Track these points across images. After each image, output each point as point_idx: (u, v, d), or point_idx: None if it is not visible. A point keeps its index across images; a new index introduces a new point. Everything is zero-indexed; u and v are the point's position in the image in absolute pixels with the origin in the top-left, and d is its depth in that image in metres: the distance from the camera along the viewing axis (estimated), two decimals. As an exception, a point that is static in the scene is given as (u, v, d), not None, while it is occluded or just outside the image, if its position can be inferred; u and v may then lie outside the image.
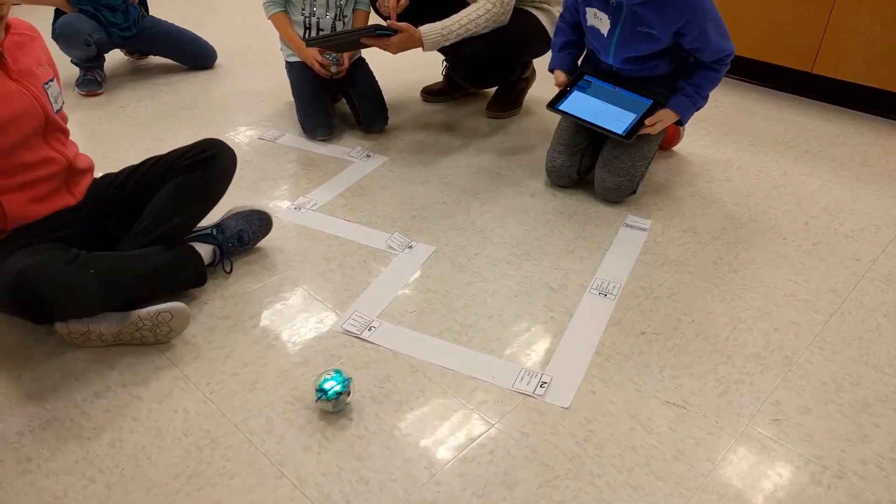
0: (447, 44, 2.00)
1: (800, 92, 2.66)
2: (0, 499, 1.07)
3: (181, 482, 1.10)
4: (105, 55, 2.58)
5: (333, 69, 2.18)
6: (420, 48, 1.97)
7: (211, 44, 2.80)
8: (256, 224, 1.62)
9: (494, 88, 2.47)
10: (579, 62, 2.00)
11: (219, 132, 2.26)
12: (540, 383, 1.29)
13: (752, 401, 1.27)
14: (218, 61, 2.82)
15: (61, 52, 2.43)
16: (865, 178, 2.07)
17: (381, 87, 2.28)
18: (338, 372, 1.21)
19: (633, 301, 1.53)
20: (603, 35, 1.79)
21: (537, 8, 2.17)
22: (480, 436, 1.19)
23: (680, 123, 1.85)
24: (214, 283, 1.55)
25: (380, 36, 1.91)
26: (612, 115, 1.82)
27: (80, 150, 1.47)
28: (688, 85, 1.79)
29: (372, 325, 1.43)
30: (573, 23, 1.92)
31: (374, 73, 2.30)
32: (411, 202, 1.89)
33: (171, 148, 1.55)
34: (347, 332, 1.41)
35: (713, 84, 1.79)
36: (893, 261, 1.69)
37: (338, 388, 1.19)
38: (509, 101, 2.43)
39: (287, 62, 2.31)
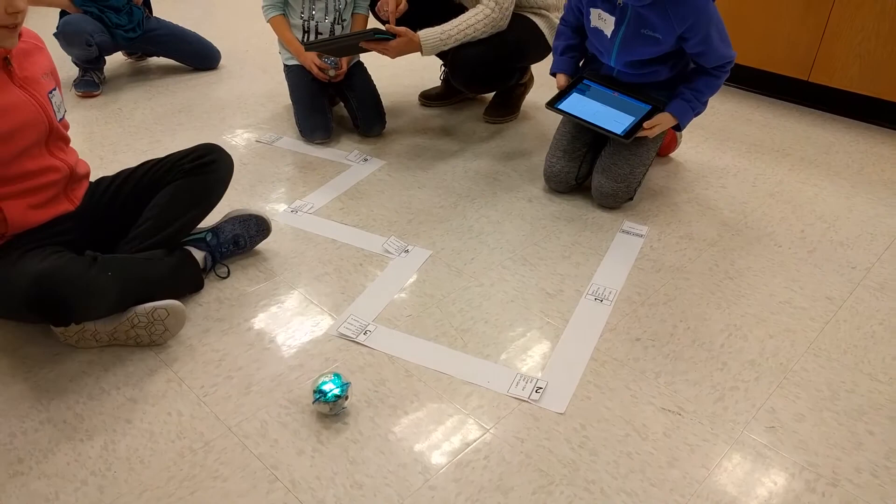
0: (446, 48, 2.00)
1: (796, 100, 2.67)
2: (-9, 501, 1.07)
3: (174, 485, 1.09)
4: (106, 57, 2.58)
5: (331, 73, 2.18)
6: (418, 52, 1.98)
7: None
8: (254, 229, 1.62)
9: (492, 93, 2.48)
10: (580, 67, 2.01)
11: (216, 135, 2.26)
12: (535, 388, 1.29)
13: (748, 408, 1.27)
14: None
15: (62, 50, 2.43)
16: (861, 187, 2.08)
17: (379, 91, 2.29)
18: (337, 375, 1.21)
19: (629, 307, 1.53)
20: (606, 36, 1.79)
21: (536, 14, 2.17)
22: (475, 441, 1.19)
23: (678, 128, 1.85)
24: (210, 286, 1.54)
25: (378, 40, 1.91)
26: (610, 117, 1.82)
27: (78, 152, 1.46)
28: (687, 90, 1.79)
29: (367, 328, 1.43)
30: (575, 26, 1.92)
31: (373, 77, 2.30)
32: (408, 206, 1.89)
33: (168, 150, 1.55)
34: (343, 336, 1.41)
35: (713, 90, 1.80)
36: (888, 269, 1.70)
37: (336, 391, 1.19)
38: (507, 106, 2.44)
39: (285, 65, 2.31)
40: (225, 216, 1.62)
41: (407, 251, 1.69)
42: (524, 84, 2.46)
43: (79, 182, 1.44)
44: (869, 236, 1.83)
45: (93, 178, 1.51)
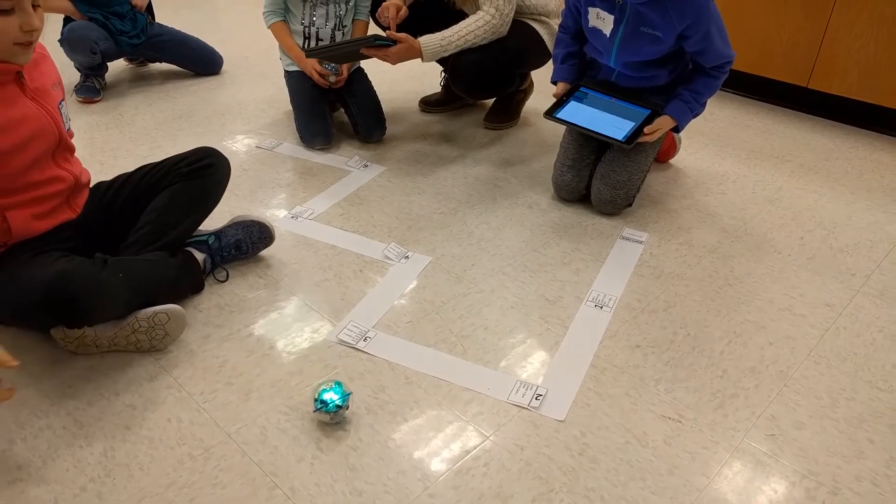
0: (446, 54, 2.00)
1: (796, 106, 2.67)
2: (-10, 507, 1.06)
3: (173, 492, 1.09)
4: (108, 64, 2.59)
5: (332, 79, 2.18)
6: (419, 59, 1.98)
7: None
8: (256, 235, 1.62)
9: (492, 99, 2.48)
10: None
11: (217, 140, 2.26)
12: (535, 395, 1.29)
13: (748, 415, 1.27)
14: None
15: (65, 56, 2.44)
16: (860, 193, 2.08)
17: (380, 97, 2.29)
18: (338, 384, 1.21)
19: (629, 314, 1.53)
20: (605, 36, 1.78)
21: (536, 20, 2.18)
22: (475, 448, 1.19)
23: (676, 130, 1.85)
24: (209, 292, 1.54)
25: (379, 46, 1.92)
26: (610, 123, 1.82)
27: (78, 158, 1.47)
28: (686, 91, 1.79)
29: (367, 335, 1.43)
30: (574, 31, 1.92)
31: (373, 83, 2.30)
32: (408, 212, 1.89)
33: (168, 156, 1.55)
34: (343, 343, 1.41)
35: (711, 91, 1.80)
36: (888, 276, 1.70)
37: (338, 401, 1.19)
38: (507, 113, 2.44)
39: (286, 71, 2.31)
40: (230, 220, 1.62)
41: (407, 257, 1.69)
42: (524, 90, 2.47)
43: (81, 191, 1.44)
44: (868, 243, 1.83)
45: (91, 184, 1.52)
